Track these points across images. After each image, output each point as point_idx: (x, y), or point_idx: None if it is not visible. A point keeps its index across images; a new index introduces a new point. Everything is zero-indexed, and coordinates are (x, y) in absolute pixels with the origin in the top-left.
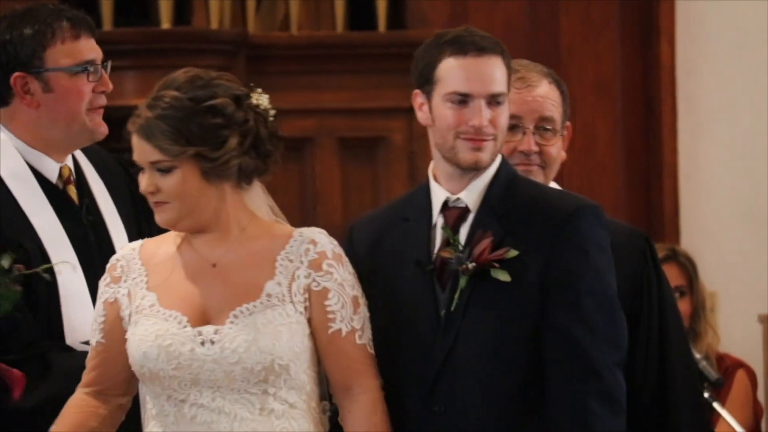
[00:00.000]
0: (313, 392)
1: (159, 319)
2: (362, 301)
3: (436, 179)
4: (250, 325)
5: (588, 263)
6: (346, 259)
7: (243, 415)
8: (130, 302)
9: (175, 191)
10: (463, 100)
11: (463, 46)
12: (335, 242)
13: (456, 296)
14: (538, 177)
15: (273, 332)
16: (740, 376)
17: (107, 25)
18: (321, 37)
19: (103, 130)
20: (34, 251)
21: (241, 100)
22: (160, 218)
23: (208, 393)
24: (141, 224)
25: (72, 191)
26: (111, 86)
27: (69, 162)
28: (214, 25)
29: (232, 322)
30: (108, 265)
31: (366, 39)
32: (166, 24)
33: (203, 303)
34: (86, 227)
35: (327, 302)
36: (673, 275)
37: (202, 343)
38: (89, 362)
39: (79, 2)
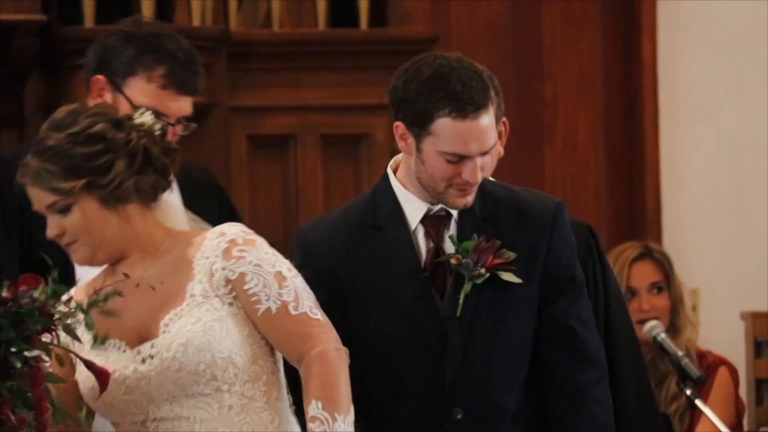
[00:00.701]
0: (272, 383)
1: (99, 351)
2: (289, 273)
3: (404, 187)
4: (182, 329)
5: (573, 256)
6: (260, 242)
7: (202, 417)
8: (72, 343)
9: (79, 228)
10: (459, 159)
11: (462, 107)
12: (249, 230)
13: (461, 301)
14: None
15: (204, 329)
16: (722, 373)
17: (89, 22)
18: (303, 34)
19: None
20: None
21: (121, 123)
22: (75, 258)
23: (166, 405)
24: None
25: None
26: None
27: None
28: (195, 22)
29: (164, 332)
30: None
31: (348, 36)
32: None
33: (135, 323)
34: None
35: (246, 286)
36: (649, 272)
37: (143, 361)
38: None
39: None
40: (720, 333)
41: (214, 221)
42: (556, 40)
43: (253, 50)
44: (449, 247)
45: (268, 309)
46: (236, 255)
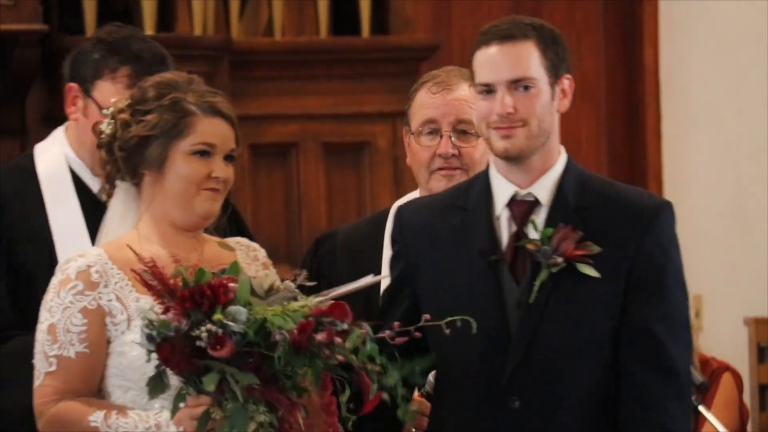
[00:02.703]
0: None
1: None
2: None
3: (496, 168)
4: None
5: (670, 262)
6: None
7: None
8: (124, 307)
9: (230, 184)
10: (488, 91)
11: (487, 39)
12: None
13: (536, 289)
14: (461, 180)
15: None
16: (726, 379)
17: (90, 32)
18: (304, 42)
19: None
20: (40, 251)
21: None
22: (213, 206)
23: None
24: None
25: None
26: None
27: None
28: (197, 31)
29: None
30: (74, 272)
31: (349, 44)
32: (149, 30)
33: None
34: None
35: None
36: None
37: None
38: (65, 376)
39: (63, 9)
40: (723, 339)
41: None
42: None
43: (255, 59)
44: (533, 233)
45: None
46: (272, 268)
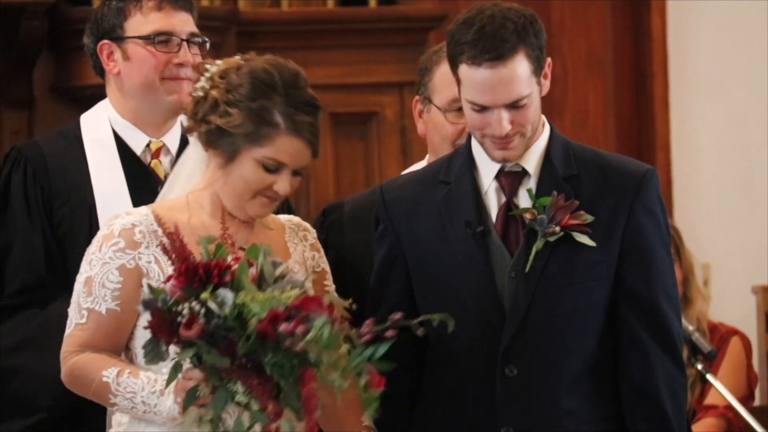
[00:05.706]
0: None
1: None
2: None
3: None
4: None
5: (659, 227)
6: None
7: None
8: (161, 270)
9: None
10: (482, 109)
11: (476, 50)
12: None
13: (531, 258)
14: None
15: None
16: (735, 342)
17: (97, 2)
18: (311, 12)
19: (178, 98)
20: (79, 212)
21: None
22: (264, 211)
23: None
24: None
25: (157, 166)
26: (190, 59)
27: (168, 139)
28: (204, 1)
29: None
30: (119, 229)
31: (357, 14)
32: None
33: None
34: None
35: (326, 282)
36: None
37: None
38: (93, 329)
39: None
40: (731, 307)
41: None
42: (565, 17)
43: (262, 29)
44: (523, 203)
45: None
46: (321, 253)
